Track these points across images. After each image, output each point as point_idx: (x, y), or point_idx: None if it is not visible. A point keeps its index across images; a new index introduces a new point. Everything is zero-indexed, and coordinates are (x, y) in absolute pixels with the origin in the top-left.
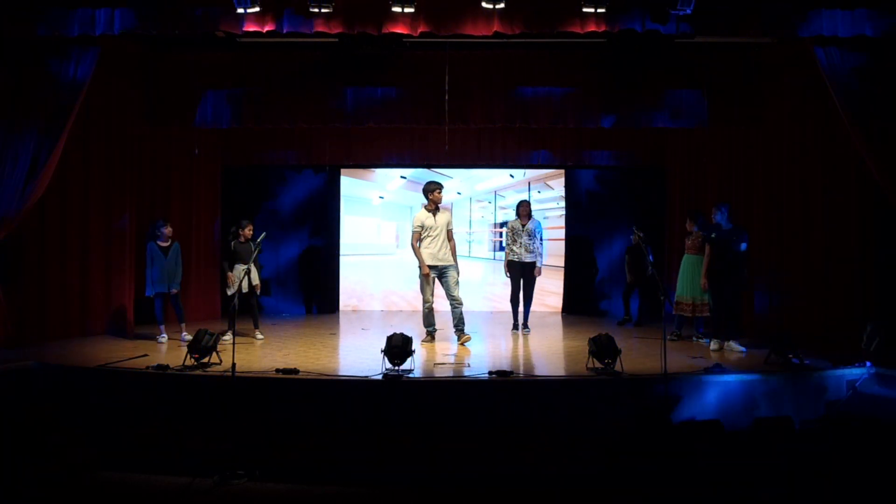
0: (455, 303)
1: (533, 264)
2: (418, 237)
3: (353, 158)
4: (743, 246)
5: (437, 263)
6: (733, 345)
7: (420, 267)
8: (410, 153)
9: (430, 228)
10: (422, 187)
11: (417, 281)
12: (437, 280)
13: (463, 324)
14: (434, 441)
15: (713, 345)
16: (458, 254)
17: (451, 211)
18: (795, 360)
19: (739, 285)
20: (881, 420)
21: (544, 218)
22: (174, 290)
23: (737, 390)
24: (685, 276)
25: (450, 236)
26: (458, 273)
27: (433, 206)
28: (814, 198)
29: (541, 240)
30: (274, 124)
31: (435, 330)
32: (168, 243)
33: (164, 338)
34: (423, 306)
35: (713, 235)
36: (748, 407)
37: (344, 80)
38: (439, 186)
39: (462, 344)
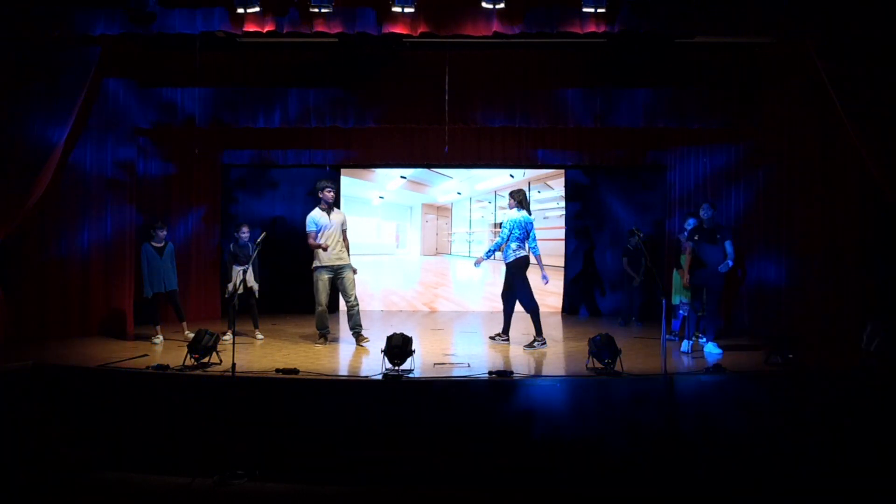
0: (351, 304)
1: None
2: (314, 237)
3: (353, 158)
4: (728, 244)
5: (333, 263)
6: (711, 346)
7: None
8: (410, 153)
9: (325, 227)
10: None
11: (417, 280)
12: (333, 282)
13: (360, 327)
14: (434, 441)
15: (685, 345)
16: (457, 253)
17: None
18: (795, 360)
19: (721, 287)
20: None
21: (544, 218)
22: (175, 290)
23: (737, 390)
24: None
25: (344, 236)
26: (354, 272)
27: (326, 206)
28: (813, 197)
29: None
30: (273, 124)
31: (328, 333)
32: (162, 244)
33: (159, 339)
34: (317, 309)
35: (696, 237)
36: (748, 407)
37: (344, 80)
38: (327, 185)
39: (360, 345)
